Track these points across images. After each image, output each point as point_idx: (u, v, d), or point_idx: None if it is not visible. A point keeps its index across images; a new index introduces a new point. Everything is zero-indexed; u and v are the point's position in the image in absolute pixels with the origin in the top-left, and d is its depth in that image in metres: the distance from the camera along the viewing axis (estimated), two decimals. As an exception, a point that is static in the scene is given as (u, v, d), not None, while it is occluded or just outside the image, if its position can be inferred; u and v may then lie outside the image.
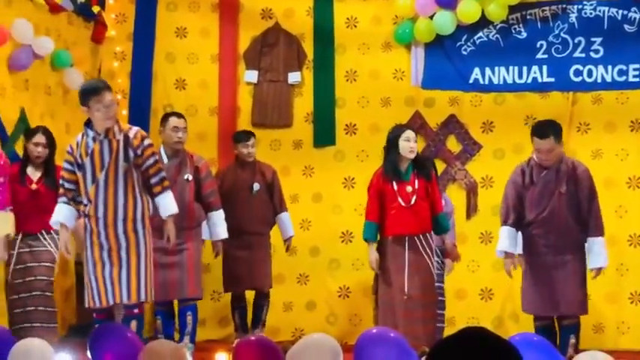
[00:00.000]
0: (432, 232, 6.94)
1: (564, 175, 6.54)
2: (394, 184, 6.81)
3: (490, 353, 2.07)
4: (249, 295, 8.03)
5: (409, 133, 6.89)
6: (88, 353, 5.68)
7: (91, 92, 5.88)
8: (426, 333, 6.74)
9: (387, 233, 6.88)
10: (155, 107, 8.87)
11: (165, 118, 7.42)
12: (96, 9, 8.81)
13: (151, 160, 5.94)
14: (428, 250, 6.84)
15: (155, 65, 9.08)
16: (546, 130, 6.59)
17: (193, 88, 9.09)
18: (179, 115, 7.42)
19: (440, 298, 7.35)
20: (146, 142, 5.96)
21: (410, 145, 6.79)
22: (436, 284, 7.11)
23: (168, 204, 6.04)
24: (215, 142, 8.95)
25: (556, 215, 6.52)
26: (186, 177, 7.16)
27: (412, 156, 6.81)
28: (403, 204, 6.77)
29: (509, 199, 6.63)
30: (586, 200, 6.58)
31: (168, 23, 9.11)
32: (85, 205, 5.88)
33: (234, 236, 7.57)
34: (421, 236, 6.81)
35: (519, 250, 6.75)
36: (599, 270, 6.70)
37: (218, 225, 7.30)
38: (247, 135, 8.01)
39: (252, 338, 5.80)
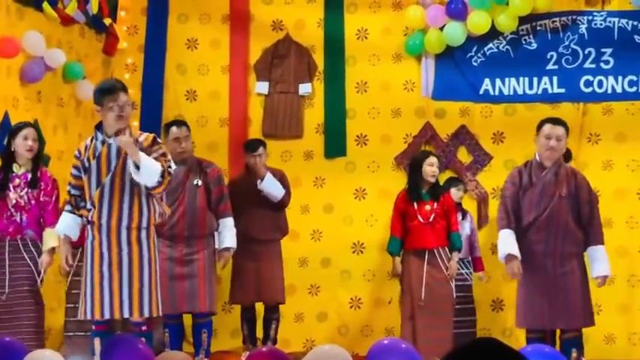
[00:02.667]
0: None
1: (564, 178, 6.40)
2: (415, 203, 7.43)
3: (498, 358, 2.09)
4: (260, 305, 7.89)
5: (433, 159, 7.56)
6: (100, 364, 5.69)
7: (106, 91, 5.70)
8: (441, 338, 7.16)
9: (408, 247, 7.46)
10: (166, 118, 8.88)
11: (167, 128, 7.27)
12: (107, 21, 8.84)
13: (161, 151, 5.72)
14: (446, 263, 7.45)
15: (166, 76, 9.13)
16: (559, 119, 6.62)
17: (204, 99, 9.12)
18: (179, 124, 7.24)
19: (470, 305, 8.06)
20: (157, 141, 5.79)
21: (432, 169, 7.47)
22: (465, 294, 7.97)
23: (147, 158, 5.53)
24: (226, 153, 8.97)
25: (555, 217, 6.32)
26: (195, 182, 7.00)
27: (433, 180, 7.50)
28: (422, 221, 7.41)
29: (508, 201, 6.43)
30: (587, 205, 6.39)
31: (179, 35, 9.16)
32: (89, 211, 5.66)
33: (244, 244, 7.35)
34: (440, 250, 7.44)
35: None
36: (604, 278, 6.46)
37: (225, 233, 7.05)
38: (255, 145, 7.84)
39: (264, 349, 5.82)
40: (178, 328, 7.12)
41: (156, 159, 5.62)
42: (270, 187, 7.56)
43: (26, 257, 6.49)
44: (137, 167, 5.48)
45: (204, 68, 9.16)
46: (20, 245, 6.50)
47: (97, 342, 5.82)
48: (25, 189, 6.50)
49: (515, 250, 6.30)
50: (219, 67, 9.16)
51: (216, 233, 7.13)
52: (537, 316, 6.32)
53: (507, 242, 6.36)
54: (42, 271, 6.49)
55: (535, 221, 6.35)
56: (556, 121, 6.55)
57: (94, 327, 5.88)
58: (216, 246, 7.13)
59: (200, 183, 7.03)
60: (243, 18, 9.15)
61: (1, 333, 6.09)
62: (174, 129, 7.17)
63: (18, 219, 6.49)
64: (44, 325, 6.70)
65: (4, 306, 6.39)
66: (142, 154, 5.51)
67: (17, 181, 6.50)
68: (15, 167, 6.55)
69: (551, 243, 6.33)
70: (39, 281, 6.54)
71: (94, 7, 8.57)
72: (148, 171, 5.51)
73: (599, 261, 6.41)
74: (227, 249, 7.04)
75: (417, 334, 7.24)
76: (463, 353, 2.12)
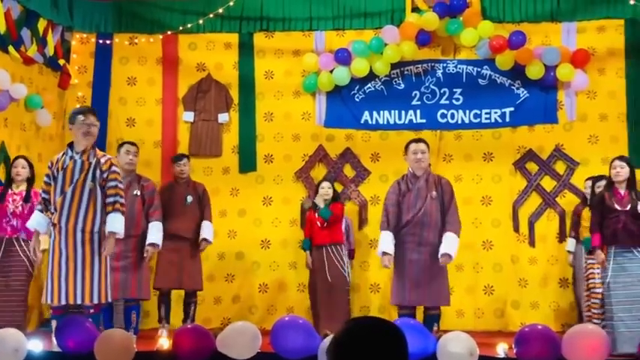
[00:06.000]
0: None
1: (432, 184, 6.49)
2: (316, 213, 7.54)
3: (381, 333, 2.11)
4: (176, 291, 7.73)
5: (324, 184, 7.73)
6: (54, 340, 5.54)
7: (79, 113, 5.75)
8: (339, 313, 7.27)
9: (313, 244, 7.59)
10: (110, 141, 8.74)
11: (121, 145, 7.24)
12: (62, 62, 8.68)
13: (112, 183, 5.66)
14: (337, 256, 7.49)
15: (110, 107, 8.95)
16: (420, 138, 6.75)
17: (141, 125, 8.99)
18: (131, 143, 7.27)
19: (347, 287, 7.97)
20: (113, 168, 5.71)
21: (324, 190, 7.62)
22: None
23: (114, 223, 5.62)
24: (159, 169, 8.85)
25: (428, 214, 6.39)
26: (135, 192, 6.96)
27: (326, 197, 7.58)
28: (319, 225, 7.52)
29: (390, 208, 6.48)
30: (447, 203, 6.48)
31: (121, 74, 9.01)
32: (52, 214, 5.61)
33: (168, 240, 7.24)
34: (332, 246, 7.49)
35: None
36: (448, 256, 6.30)
37: (153, 233, 6.97)
38: (180, 156, 7.83)
39: (189, 326, 5.74)
40: (111, 311, 6.95)
41: (109, 188, 5.60)
42: (210, 232, 7.66)
43: (19, 251, 6.76)
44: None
45: (141, 100, 9.03)
46: (15, 242, 6.79)
47: (54, 323, 5.69)
48: (21, 202, 6.84)
49: (389, 248, 6.36)
50: (153, 100, 9.04)
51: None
52: (407, 296, 6.37)
53: (384, 241, 6.41)
54: (34, 262, 6.63)
55: (412, 219, 6.41)
56: (418, 140, 6.68)
57: (51, 312, 5.74)
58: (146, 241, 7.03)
59: (138, 193, 6.98)
60: (173, 61, 9.07)
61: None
62: (128, 145, 7.20)
63: (14, 223, 6.81)
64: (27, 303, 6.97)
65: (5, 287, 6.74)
66: (115, 232, 5.65)
67: (15, 196, 6.87)
68: (14, 186, 6.92)
69: (424, 235, 6.39)
70: (32, 269, 6.81)
71: (50, 50, 8.43)
72: (122, 228, 5.72)
73: (446, 243, 6.35)
74: (152, 244, 6.94)
75: (319, 308, 7.40)
76: (353, 327, 2.13)
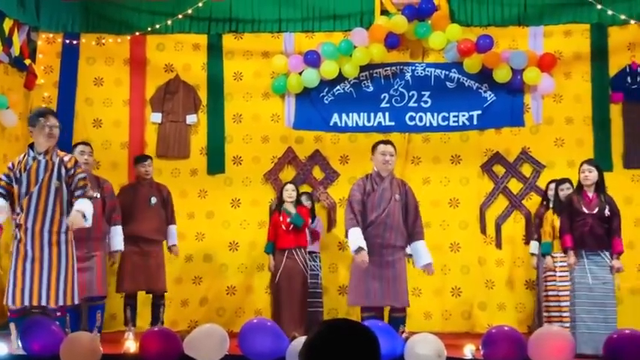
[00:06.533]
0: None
1: (396, 187, 6.50)
2: (281, 217, 7.59)
3: (354, 335, 2.12)
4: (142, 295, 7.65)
5: (288, 186, 7.78)
6: (19, 343, 5.47)
7: (40, 114, 5.68)
8: (299, 316, 7.41)
9: (277, 247, 7.63)
10: (76, 142, 8.62)
11: (74, 146, 7.16)
12: (28, 62, 8.58)
13: (80, 176, 5.62)
14: (301, 258, 7.56)
15: (76, 108, 8.86)
16: (389, 140, 6.75)
17: (108, 126, 8.90)
18: (85, 143, 7.17)
19: (319, 290, 8.10)
20: (78, 164, 5.75)
21: (288, 193, 7.71)
22: (315, 281, 8.01)
23: (83, 204, 5.54)
24: (126, 171, 8.76)
25: (391, 216, 6.37)
26: (95, 195, 6.91)
27: (290, 200, 7.67)
28: (284, 228, 7.57)
29: (355, 205, 6.38)
30: (413, 210, 6.48)
31: (87, 74, 8.92)
32: (18, 214, 5.56)
33: (132, 243, 7.21)
34: (297, 249, 7.55)
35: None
36: (431, 265, 6.43)
37: (115, 238, 6.98)
38: (144, 157, 7.75)
39: (156, 329, 5.70)
40: (78, 313, 6.86)
41: (79, 180, 5.56)
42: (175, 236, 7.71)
43: None
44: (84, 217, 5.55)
45: (108, 101, 8.94)
46: None
47: (12, 326, 5.61)
48: None
49: (363, 243, 6.25)
50: (121, 101, 8.96)
51: (108, 236, 7.00)
52: (371, 296, 6.32)
53: (357, 238, 6.25)
54: None
55: (376, 219, 6.39)
56: (387, 142, 6.67)
57: (8, 314, 5.66)
58: (110, 248, 7.02)
59: (98, 195, 6.89)
60: (140, 61, 9.00)
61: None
62: (82, 145, 7.12)
63: None
64: None
65: None
66: (83, 212, 5.54)
67: None
68: None
69: (387, 237, 6.36)
70: None
71: (16, 50, 8.32)
72: (90, 215, 5.61)
73: (422, 253, 6.43)
74: (117, 251, 7.02)
75: (283, 311, 7.43)
76: (325, 330, 2.14)
